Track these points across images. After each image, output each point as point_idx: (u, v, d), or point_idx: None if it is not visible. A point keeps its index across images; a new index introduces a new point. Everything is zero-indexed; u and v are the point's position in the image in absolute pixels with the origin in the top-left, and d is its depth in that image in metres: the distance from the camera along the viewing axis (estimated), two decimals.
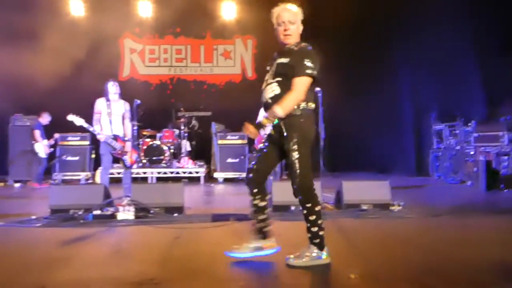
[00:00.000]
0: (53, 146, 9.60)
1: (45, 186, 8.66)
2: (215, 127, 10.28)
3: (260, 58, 12.26)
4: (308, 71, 3.01)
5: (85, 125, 5.78)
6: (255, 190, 3.21)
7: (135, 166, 7.08)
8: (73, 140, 9.77)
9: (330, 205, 5.76)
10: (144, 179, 9.54)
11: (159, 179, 9.59)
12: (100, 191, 5.40)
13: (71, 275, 3.01)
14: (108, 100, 6.01)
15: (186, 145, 10.27)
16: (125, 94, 10.37)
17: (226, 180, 9.71)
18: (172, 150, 9.95)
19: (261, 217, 3.22)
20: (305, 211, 3.06)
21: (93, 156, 9.99)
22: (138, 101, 6.61)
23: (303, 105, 3.06)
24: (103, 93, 6.03)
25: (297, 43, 3.16)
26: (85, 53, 10.47)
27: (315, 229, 3.03)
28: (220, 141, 9.85)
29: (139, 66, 12.40)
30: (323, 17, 8.98)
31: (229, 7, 11.58)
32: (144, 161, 9.53)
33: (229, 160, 9.75)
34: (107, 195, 5.45)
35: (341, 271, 2.96)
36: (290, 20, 3.12)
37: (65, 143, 9.77)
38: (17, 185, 9.50)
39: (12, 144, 9.81)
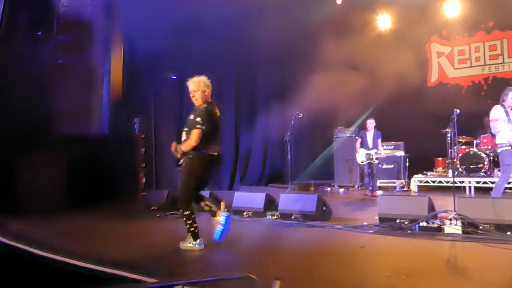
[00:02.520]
0: None
1: (367, 193, 9.53)
2: None
3: None
4: (198, 126, 4.39)
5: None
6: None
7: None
8: (388, 149, 10.32)
9: None
10: (458, 188, 9.14)
11: (477, 189, 9.02)
12: (425, 202, 5.59)
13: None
14: (504, 107, 6.16)
15: None
16: (436, 100, 10.48)
17: None
18: (492, 158, 9.18)
19: (206, 208, 4.63)
20: (181, 214, 4.54)
21: (407, 164, 10.35)
22: (458, 111, 6.47)
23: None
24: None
25: (201, 104, 4.55)
26: (396, 65, 10.90)
27: (187, 226, 4.49)
28: None
29: (447, 69, 12.01)
30: None
31: None
32: (461, 169, 9.17)
33: None
34: (431, 207, 5.61)
35: None
36: (193, 89, 4.58)
37: None
38: (341, 189, 10.82)
39: (336, 153, 11.25)
